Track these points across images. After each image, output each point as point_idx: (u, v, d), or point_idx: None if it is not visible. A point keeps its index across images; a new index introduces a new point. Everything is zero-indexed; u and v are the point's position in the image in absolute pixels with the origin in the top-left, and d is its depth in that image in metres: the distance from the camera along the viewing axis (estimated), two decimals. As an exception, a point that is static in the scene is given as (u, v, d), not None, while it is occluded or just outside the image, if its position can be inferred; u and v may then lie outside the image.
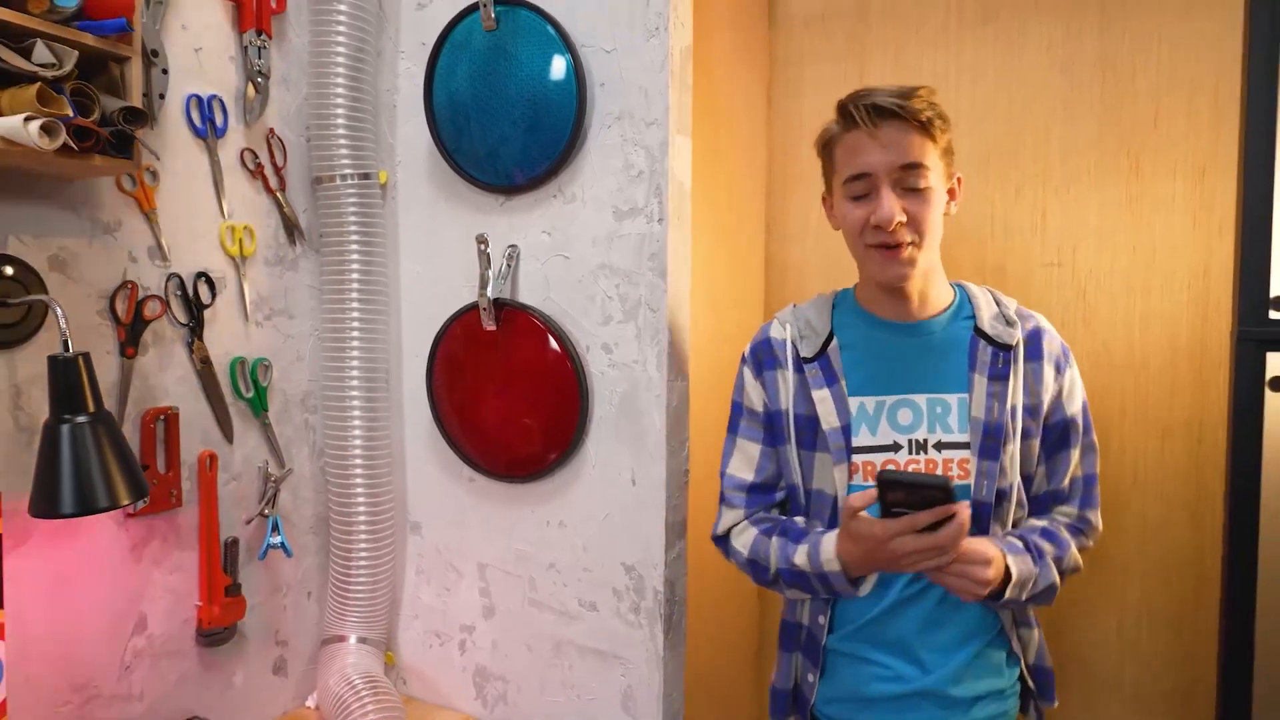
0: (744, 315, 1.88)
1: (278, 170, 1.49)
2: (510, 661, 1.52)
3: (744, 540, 1.23)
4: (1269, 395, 0.97)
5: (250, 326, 1.45)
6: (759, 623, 2.01)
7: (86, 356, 1.04)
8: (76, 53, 1.01)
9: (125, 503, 1.04)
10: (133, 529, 1.28)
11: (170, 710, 1.35)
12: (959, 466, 1.15)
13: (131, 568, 1.29)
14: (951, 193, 1.19)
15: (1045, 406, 1.18)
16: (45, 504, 1.02)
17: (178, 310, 1.33)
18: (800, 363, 1.21)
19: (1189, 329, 1.53)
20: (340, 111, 1.49)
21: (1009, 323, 1.20)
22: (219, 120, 1.39)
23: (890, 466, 1.09)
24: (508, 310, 1.44)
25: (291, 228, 1.51)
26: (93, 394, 1.04)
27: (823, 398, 1.18)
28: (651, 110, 1.35)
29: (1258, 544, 0.97)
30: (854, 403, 1.18)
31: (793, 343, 1.23)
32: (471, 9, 1.44)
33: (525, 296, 1.46)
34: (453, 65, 1.48)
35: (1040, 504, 1.22)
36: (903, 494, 0.99)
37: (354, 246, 1.52)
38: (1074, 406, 1.20)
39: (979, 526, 1.13)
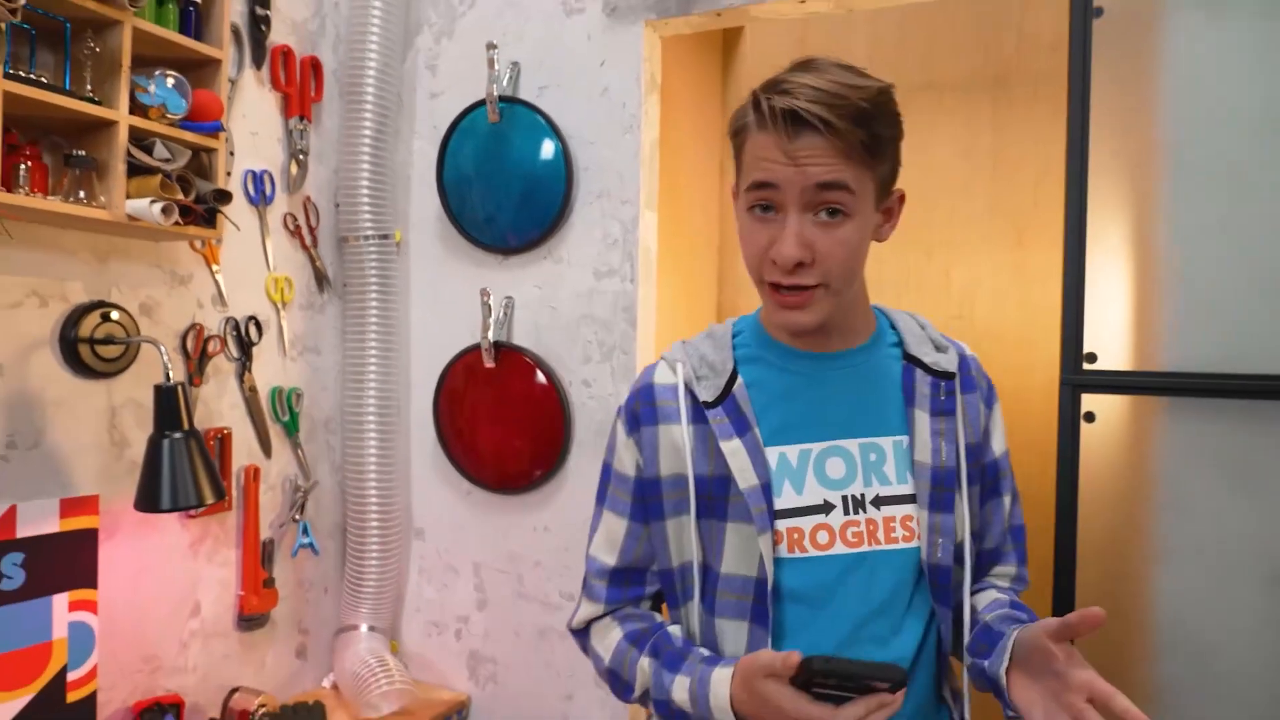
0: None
1: (311, 230, 1.78)
2: (500, 646, 1.80)
3: (606, 643, 1.00)
4: (1084, 425, 1.30)
5: (287, 361, 1.73)
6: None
7: (183, 386, 1.31)
8: (190, 152, 1.31)
9: (210, 502, 1.31)
10: (192, 529, 1.55)
11: (216, 682, 1.60)
12: (904, 526, 0.93)
13: (190, 561, 1.55)
14: (889, 213, 0.94)
15: (977, 445, 0.98)
16: (148, 502, 1.29)
17: (232, 347, 1.61)
18: (700, 410, 0.96)
19: (1054, 375, 1.89)
20: (364, 182, 1.78)
21: (939, 348, 0.99)
22: (268, 190, 1.67)
23: (820, 657, 0.77)
24: (505, 350, 1.74)
25: (321, 278, 1.80)
26: (186, 415, 1.31)
27: (734, 450, 0.92)
28: (626, 191, 1.67)
29: (1076, 534, 1.30)
30: (772, 454, 0.94)
31: (687, 387, 0.97)
32: (479, 103, 1.75)
33: (519, 339, 1.76)
34: (461, 147, 1.79)
35: (977, 563, 1.01)
36: (835, 681, 0.77)
37: (373, 295, 1.81)
38: (1003, 445, 1.03)
39: (939, 598, 0.93)
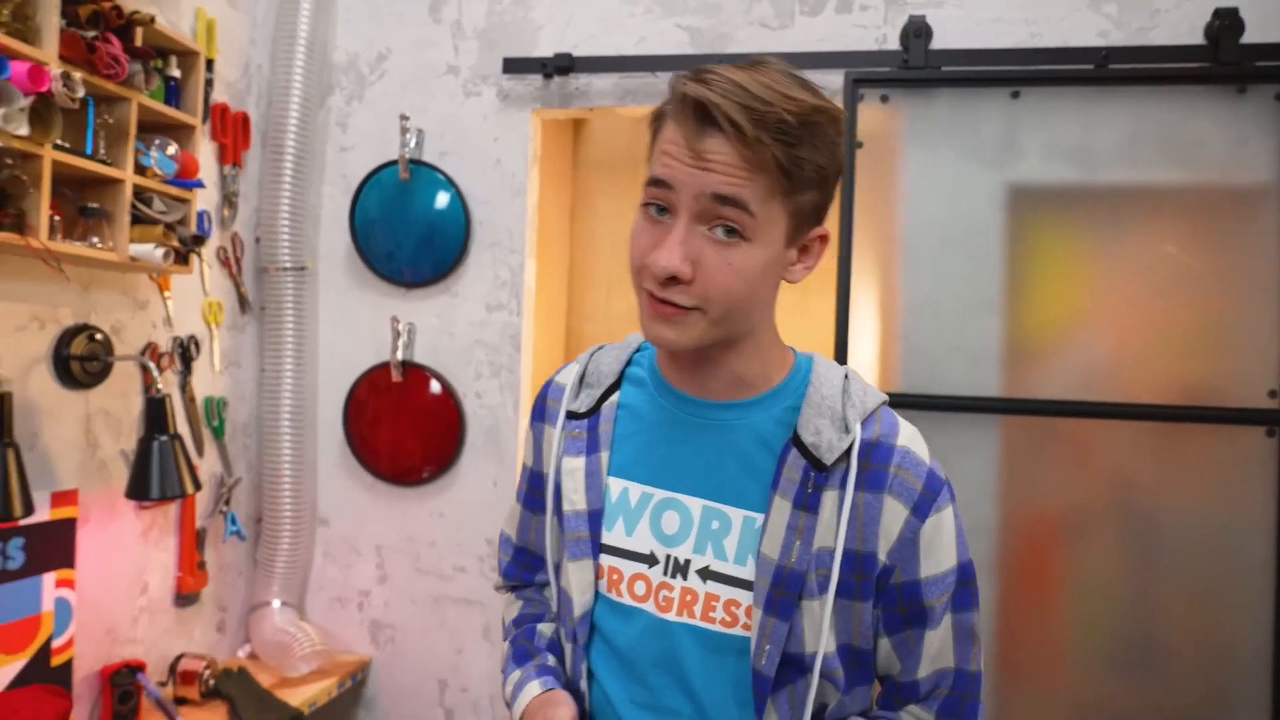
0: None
1: (237, 261, 2.06)
2: (399, 614, 2.16)
3: (505, 615, 1.07)
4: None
5: (216, 374, 2.00)
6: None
7: (169, 398, 1.60)
8: (184, 206, 1.60)
9: (190, 492, 1.60)
10: (144, 518, 1.80)
11: (159, 652, 1.85)
12: (726, 610, 0.85)
13: (141, 546, 1.80)
14: (805, 252, 0.84)
15: (882, 559, 0.83)
16: (139, 492, 1.56)
17: (178, 362, 1.87)
18: (568, 417, 0.94)
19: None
20: (284, 220, 2.08)
21: (845, 429, 0.84)
22: (207, 226, 1.94)
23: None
24: (409, 368, 2.11)
25: (243, 302, 2.08)
26: (172, 421, 1.60)
27: (572, 470, 0.90)
28: (513, 243, 2.10)
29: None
30: (616, 485, 0.90)
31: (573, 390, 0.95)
32: (390, 162, 2.12)
33: (420, 358, 2.13)
34: (371, 195, 2.14)
35: (888, 693, 0.90)
36: None
37: (289, 317, 2.11)
38: (933, 568, 0.85)
39: (760, 708, 0.83)
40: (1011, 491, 1.84)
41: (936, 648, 0.87)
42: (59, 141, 1.40)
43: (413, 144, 2.11)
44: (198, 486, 1.63)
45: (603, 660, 0.91)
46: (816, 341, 2.73)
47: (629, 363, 0.96)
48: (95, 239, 1.50)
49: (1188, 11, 1.77)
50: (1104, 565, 1.79)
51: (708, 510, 0.87)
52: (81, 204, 1.49)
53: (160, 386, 1.59)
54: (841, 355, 1.90)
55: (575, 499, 0.90)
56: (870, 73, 1.87)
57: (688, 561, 0.87)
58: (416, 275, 2.13)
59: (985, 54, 1.84)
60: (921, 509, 0.84)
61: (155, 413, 1.58)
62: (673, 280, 0.78)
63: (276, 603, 2.10)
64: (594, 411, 0.93)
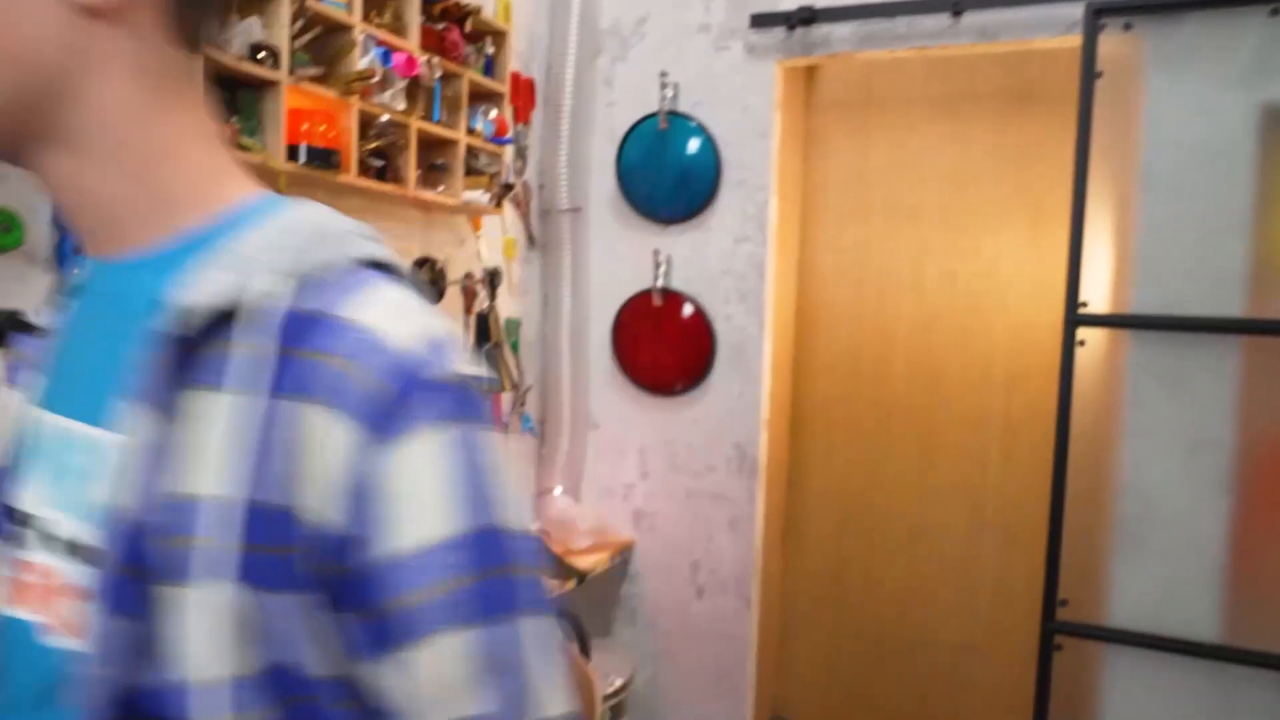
0: (801, 295, 2.91)
1: (526, 204, 2.46)
2: (657, 505, 2.53)
3: None
4: (1078, 349, 1.99)
5: (512, 299, 2.42)
6: (795, 482, 3.05)
7: (495, 313, 2.01)
8: (499, 160, 1.98)
9: (509, 389, 2.01)
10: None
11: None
12: (47, 596, 0.52)
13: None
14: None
15: (310, 518, 0.46)
16: (472, 388, 1.99)
17: (488, 289, 2.30)
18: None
19: (1057, 318, 2.60)
20: (562, 169, 2.45)
21: (277, 280, 0.49)
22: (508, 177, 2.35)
23: None
24: (668, 294, 2.44)
25: (531, 239, 2.48)
26: (496, 332, 2.00)
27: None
28: (758, 181, 2.35)
29: (1069, 422, 1.99)
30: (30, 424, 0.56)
31: None
32: (651, 115, 2.42)
33: (677, 285, 2.45)
34: (634, 144, 2.46)
35: None
36: None
37: (566, 252, 2.49)
38: (409, 537, 0.47)
39: None
40: (1252, 412, 1.88)
41: (432, 690, 0.48)
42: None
43: (670, 97, 2.40)
44: (515, 385, 2.04)
45: None
46: (1046, 268, 2.78)
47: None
48: (441, 187, 1.91)
49: None
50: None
51: (59, 435, 0.54)
52: (430, 162, 1.91)
53: (481, 307, 2.00)
54: (1075, 279, 2.00)
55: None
56: (1114, 1, 1.92)
57: (28, 518, 0.54)
58: (673, 213, 2.44)
59: (1239, -26, 1.83)
60: (382, 426, 0.47)
61: (483, 326, 2.00)
62: None
63: (558, 490, 2.53)
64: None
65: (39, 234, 1.27)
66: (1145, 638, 1.92)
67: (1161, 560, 1.92)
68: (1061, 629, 1.99)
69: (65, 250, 1.29)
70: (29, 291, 1.26)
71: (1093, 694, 2.03)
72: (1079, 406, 2.01)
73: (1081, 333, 2.00)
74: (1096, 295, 2.00)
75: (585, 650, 1.45)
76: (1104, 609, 1.99)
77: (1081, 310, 1.99)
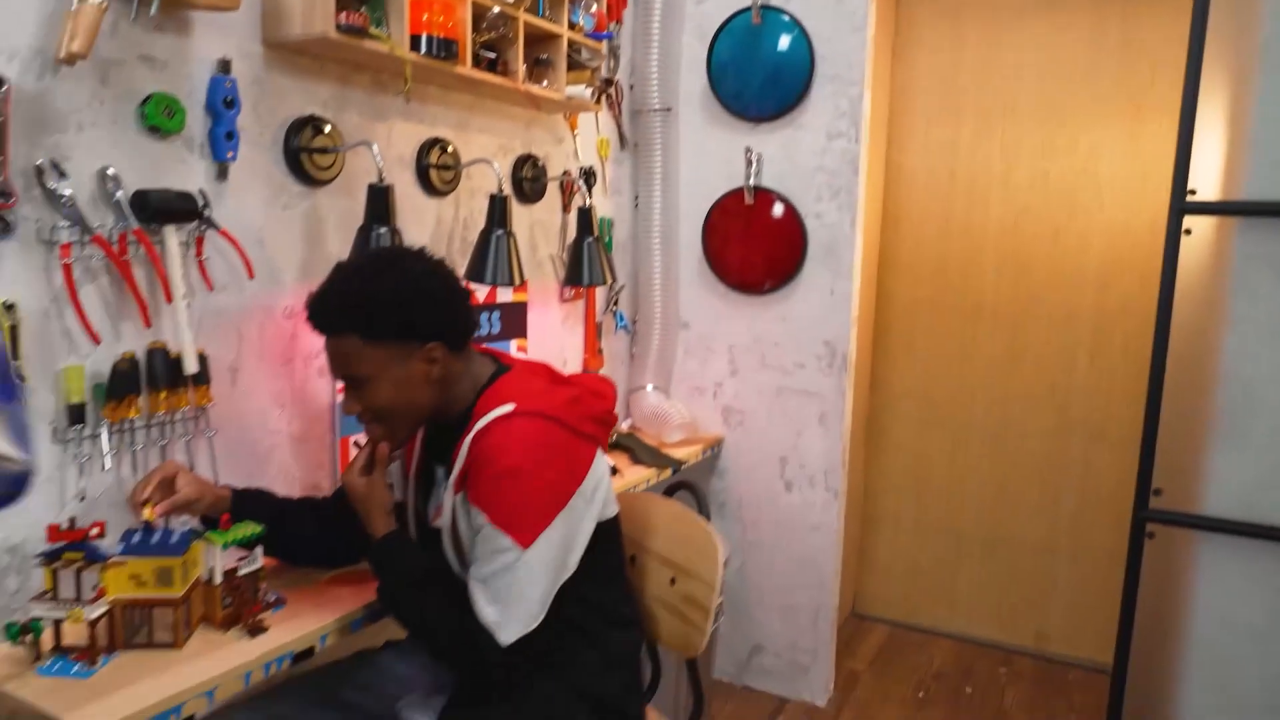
0: (887, 195, 2.89)
1: (618, 104, 2.48)
2: (746, 402, 2.59)
3: None
4: (1184, 238, 1.96)
5: (605, 198, 2.46)
6: (879, 381, 3.09)
7: (593, 209, 2.05)
8: (604, 55, 2.00)
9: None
10: (563, 309, 2.33)
11: (572, 413, 2.42)
12: None
13: (560, 330, 2.34)
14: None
15: None
16: (573, 279, 2.05)
17: (584, 186, 2.35)
18: None
19: (1155, 215, 2.54)
20: (653, 68, 2.46)
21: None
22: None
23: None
24: (759, 192, 2.45)
25: (623, 139, 2.51)
26: (596, 227, 2.06)
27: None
28: (852, 75, 2.33)
29: (1172, 310, 1.98)
30: None
31: None
32: (744, 9, 2.40)
33: (768, 184, 2.46)
34: (726, 42, 2.45)
35: None
36: None
37: (657, 151, 2.51)
38: None
39: None
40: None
41: None
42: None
43: (762, -10, 2.37)
44: (614, 278, 2.10)
45: None
46: (1145, 162, 2.69)
47: None
48: (545, 81, 1.95)
49: None
50: None
51: None
52: (535, 56, 1.94)
53: (581, 203, 2.05)
54: (1184, 166, 1.96)
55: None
56: None
57: None
58: (764, 110, 2.43)
59: None
60: None
61: (584, 221, 2.06)
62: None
63: (649, 386, 2.61)
64: None
65: (197, 120, 1.35)
66: (1243, 525, 1.93)
67: (1262, 450, 1.92)
68: (1155, 516, 2.01)
69: (218, 135, 1.37)
70: (192, 174, 1.35)
71: (1182, 585, 2.07)
72: (1180, 297, 1.99)
73: (1188, 221, 1.97)
74: (1204, 183, 1.96)
75: (706, 514, 1.54)
76: (1198, 500, 2.01)
77: (1190, 199, 1.95)
